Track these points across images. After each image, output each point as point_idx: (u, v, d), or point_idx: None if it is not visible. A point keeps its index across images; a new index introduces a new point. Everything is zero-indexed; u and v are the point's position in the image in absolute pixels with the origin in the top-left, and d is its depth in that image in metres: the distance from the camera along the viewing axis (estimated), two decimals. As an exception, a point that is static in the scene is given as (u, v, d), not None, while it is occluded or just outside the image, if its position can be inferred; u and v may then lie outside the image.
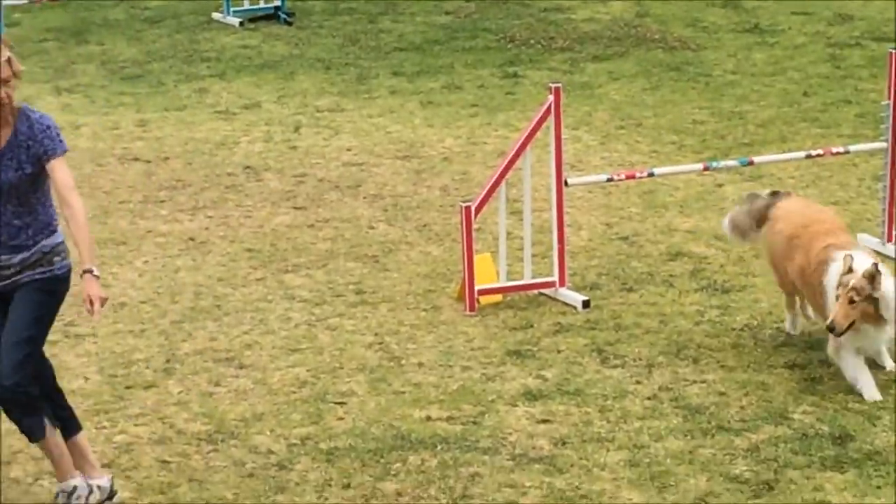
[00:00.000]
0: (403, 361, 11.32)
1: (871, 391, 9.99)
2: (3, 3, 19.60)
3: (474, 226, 12.06)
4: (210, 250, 13.62)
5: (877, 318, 9.72)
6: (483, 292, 12.03)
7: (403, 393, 10.78)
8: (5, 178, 8.80)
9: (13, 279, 8.91)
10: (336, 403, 10.70)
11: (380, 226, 14.17)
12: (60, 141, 8.91)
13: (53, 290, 9.04)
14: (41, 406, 8.96)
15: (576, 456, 9.71)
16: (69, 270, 9.11)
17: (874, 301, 9.59)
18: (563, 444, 9.88)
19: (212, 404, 10.67)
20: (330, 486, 9.38)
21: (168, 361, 11.37)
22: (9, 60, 8.79)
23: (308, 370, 11.20)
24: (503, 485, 9.33)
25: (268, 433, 10.27)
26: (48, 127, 8.87)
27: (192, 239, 13.86)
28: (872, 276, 9.51)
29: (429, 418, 10.00)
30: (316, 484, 9.40)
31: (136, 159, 15.96)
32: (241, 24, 20.92)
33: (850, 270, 9.59)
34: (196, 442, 10.19)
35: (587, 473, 9.46)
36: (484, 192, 12.11)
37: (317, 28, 20.63)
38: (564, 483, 9.32)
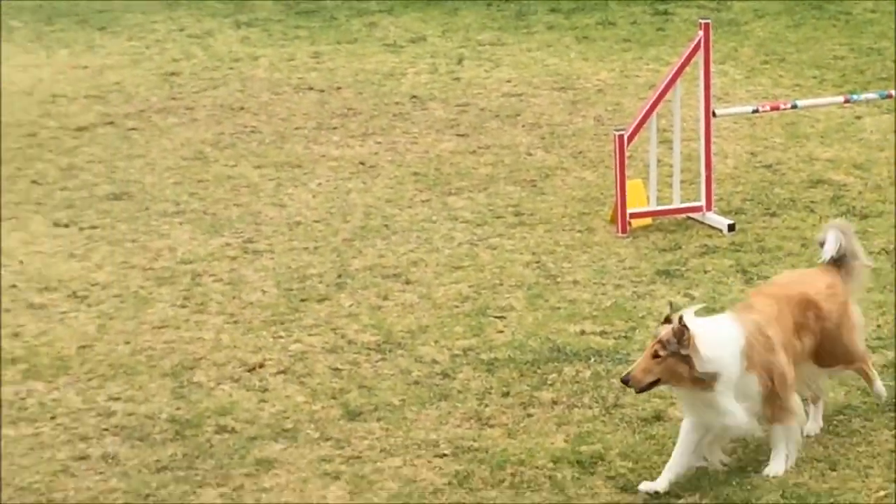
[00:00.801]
0: (559, 279, 11.39)
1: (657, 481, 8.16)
2: None
3: (626, 153, 12.05)
4: (379, 174, 13.69)
5: (693, 381, 8.05)
6: (634, 215, 12.06)
7: (559, 308, 10.83)
8: None
9: None
10: (496, 317, 10.78)
11: (537, 152, 14.17)
12: None
13: None
14: None
15: None
16: None
17: (686, 359, 8.00)
18: None
19: (380, 317, 10.78)
20: (490, 394, 9.50)
21: (340, 276, 11.49)
22: None
23: (470, 286, 11.30)
24: (652, 395, 9.30)
25: (432, 344, 10.40)
26: None
27: (362, 163, 13.95)
28: (681, 333, 7.94)
29: (583, 332, 10.02)
30: (477, 392, 9.52)
31: (311, 88, 16.06)
32: None
33: (666, 321, 8.16)
34: (366, 351, 10.35)
35: None
36: (636, 122, 12.14)
37: None
38: None
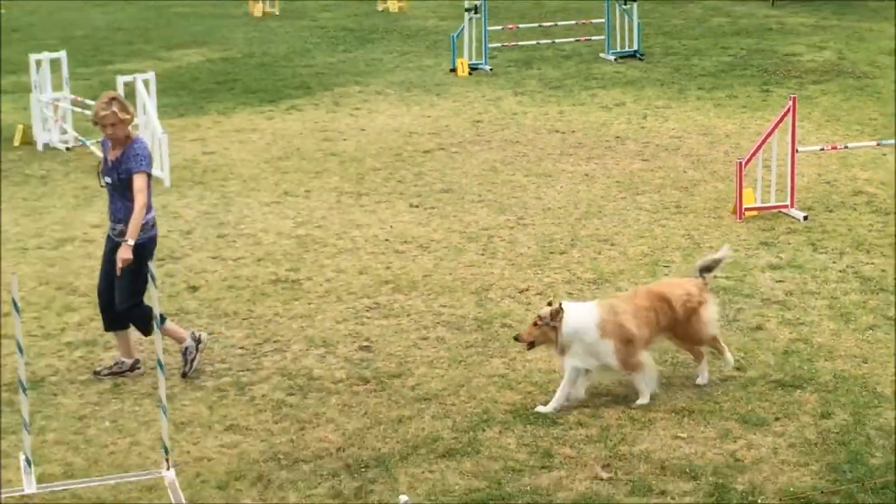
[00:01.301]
0: (701, 245, 11.53)
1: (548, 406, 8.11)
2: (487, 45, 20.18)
3: (744, 172, 12.15)
4: (595, 182, 13.90)
5: (557, 343, 8.10)
6: (747, 209, 12.28)
7: None
8: (116, 180, 8.51)
9: (117, 239, 8.56)
10: (664, 266, 11.10)
11: (689, 171, 14.25)
12: (142, 161, 8.44)
13: (140, 247, 8.44)
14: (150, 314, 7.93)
15: (797, 301, 10.14)
16: (150, 238, 8.69)
17: (554, 330, 8.04)
18: (790, 294, 10.30)
19: (596, 264, 11.17)
20: None
21: (572, 240, 11.83)
22: (119, 108, 8.41)
23: (648, 248, 11.53)
24: (756, 315, 9.75)
25: (626, 281, 10.66)
26: (138, 156, 8.44)
27: (586, 175, 14.23)
28: (556, 313, 8.00)
29: (715, 277, 9.72)
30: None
31: (557, 131, 16.16)
32: (615, 59, 20.62)
33: (548, 304, 8.25)
34: (588, 284, 10.68)
35: (803, 310, 9.91)
36: (750, 154, 12.56)
37: (656, 62, 20.51)
38: (791, 315, 9.78)
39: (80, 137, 15.47)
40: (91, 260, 11.21)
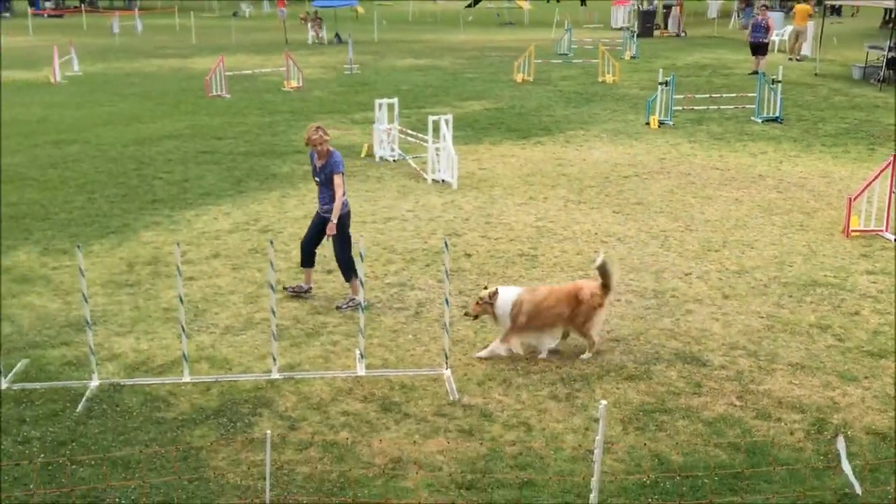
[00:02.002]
0: (817, 253, 10.94)
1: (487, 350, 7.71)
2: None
3: (852, 204, 11.55)
4: (742, 205, 13.14)
5: (494, 316, 7.68)
6: (853, 231, 11.63)
7: (815, 264, 10.43)
8: (323, 178, 8.70)
9: (324, 216, 8.83)
10: (790, 264, 10.75)
11: (811, 202, 13.43)
12: (338, 165, 8.59)
13: (340, 220, 8.74)
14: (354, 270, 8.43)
15: (885, 297, 9.38)
16: (346, 213, 8.84)
17: (492, 307, 7.62)
18: (881, 292, 9.60)
19: (740, 260, 10.64)
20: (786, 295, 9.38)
21: (724, 243, 11.23)
22: (323, 132, 8.56)
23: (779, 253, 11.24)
24: (854, 304, 9.18)
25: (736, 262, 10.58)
26: (337, 162, 8.60)
27: (736, 199, 13.52)
28: (491, 295, 7.59)
29: (825, 275, 9.49)
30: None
31: (717, 168, 15.51)
32: (762, 122, 19.51)
33: (485, 288, 7.90)
34: (732, 275, 10.29)
35: (890, 304, 9.18)
36: (858, 192, 11.85)
37: (791, 125, 19.01)
38: (881, 307, 9.13)
39: (402, 153, 15.92)
40: (405, 232, 11.56)
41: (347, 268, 8.84)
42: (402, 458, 6.26)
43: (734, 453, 6.21)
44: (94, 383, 7.22)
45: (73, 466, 6.06)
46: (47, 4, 59.22)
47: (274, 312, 7.49)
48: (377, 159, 16.03)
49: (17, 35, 42.27)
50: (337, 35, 39.59)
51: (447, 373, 7.37)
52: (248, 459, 6.21)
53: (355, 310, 8.44)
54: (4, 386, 7.14)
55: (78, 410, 6.75)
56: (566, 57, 32.42)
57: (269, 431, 5.01)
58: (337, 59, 31.68)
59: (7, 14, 53.29)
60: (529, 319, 7.48)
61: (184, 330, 7.26)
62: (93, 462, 6.14)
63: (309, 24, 39.96)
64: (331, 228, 8.62)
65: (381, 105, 16.05)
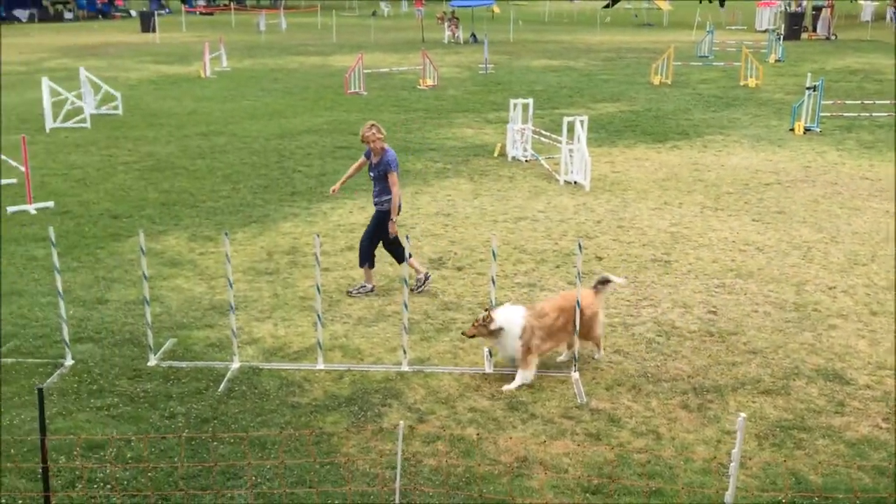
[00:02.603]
0: None
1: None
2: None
3: None
4: (867, 210, 12.87)
5: (491, 338, 7.42)
6: None
7: None
8: (376, 174, 8.98)
9: (378, 209, 9.17)
10: None
11: None
12: (392, 163, 8.87)
13: (383, 217, 9.14)
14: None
15: None
16: (388, 211, 9.09)
17: (487, 328, 7.32)
18: None
19: (891, 276, 10.25)
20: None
21: (872, 257, 10.85)
22: (377, 130, 8.87)
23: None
24: None
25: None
26: (390, 161, 8.86)
27: (887, 211, 12.85)
28: (486, 318, 7.28)
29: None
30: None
31: (866, 178, 14.83)
32: None
33: (486, 310, 7.54)
34: (882, 290, 9.90)
35: None
36: None
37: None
38: None
39: (534, 154, 15.90)
40: (535, 233, 11.54)
41: (365, 255, 9.18)
42: (527, 457, 6.27)
43: (878, 477, 5.98)
44: (235, 365, 7.55)
45: (214, 443, 6.34)
46: (199, 2, 62.11)
47: (406, 306, 7.62)
48: (509, 159, 16.08)
49: (172, 31, 44.63)
50: (473, 34, 39.88)
51: (575, 375, 7.34)
52: (377, 448, 6.36)
53: (369, 294, 9.16)
54: (154, 363, 7.54)
55: (219, 390, 7.06)
56: (706, 59, 31.62)
57: (402, 423, 5.12)
58: (472, 59, 31.92)
59: (165, 11, 56.22)
60: (543, 341, 7.29)
61: (319, 319, 7.48)
62: (232, 440, 6.42)
63: (446, 24, 40.39)
64: (393, 228, 8.95)
65: (515, 105, 16.08)
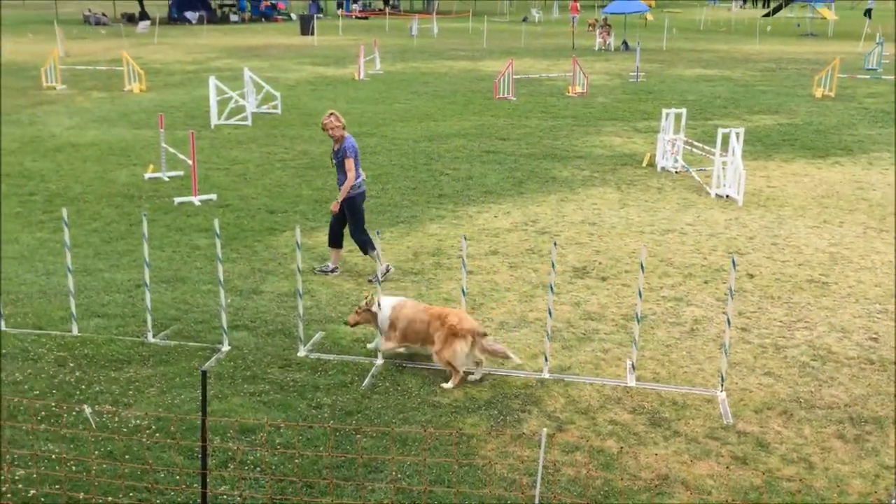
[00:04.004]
0: None
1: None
2: None
3: None
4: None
5: (374, 324, 7.82)
6: None
7: None
8: (337, 161, 9.53)
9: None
10: None
11: None
12: (348, 150, 9.41)
13: (350, 203, 9.63)
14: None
15: None
16: (360, 193, 9.68)
17: (370, 314, 7.74)
18: None
19: None
20: None
21: None
22: (335, 119, 9.44)
23: None
24: None
25: None
26: (346, 147, 9.41)
27: None
28: (368, 303, 7.71)
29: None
30: None
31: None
32: None
33: (366, 300, 7.84)
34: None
35: None
36: None
37: None
38: None
39: (685, 165, 15.53)
40: (683, 246, 11.27)
41: (364, 244, 9.79)
42: (669, 475, 6.14)
43: None
44: (379, 361, 7.74)
45: (358, 436, 6.53)
46: (355, 7, 64.06)
47: (550, 313, 7.60)
48: (658, 169, 15.77)
49: (329, 34, 46.22)
50: (624, 42, 39.35)
51: (722, 395, 7.12)
52: (515, 453, 6.37)
53: (386, 274, 9.56)
54: (303, 354, 7.83)
55: (364, 385, 7.26)
56: (875, 72, 30.06)
57: (544, 430, 5.10)
58: (623, 66, 31.52)
59: (321, 15, 58.34)
60: (402, 333, 7.56)
61: (464, 321, 7.53)
62: (374, 434, 6.59)
63: (597, 31, 40.00)
64: (335, 207, 9.59)
65: (667, 115, 15.76)
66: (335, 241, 9.90)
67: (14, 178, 14.65)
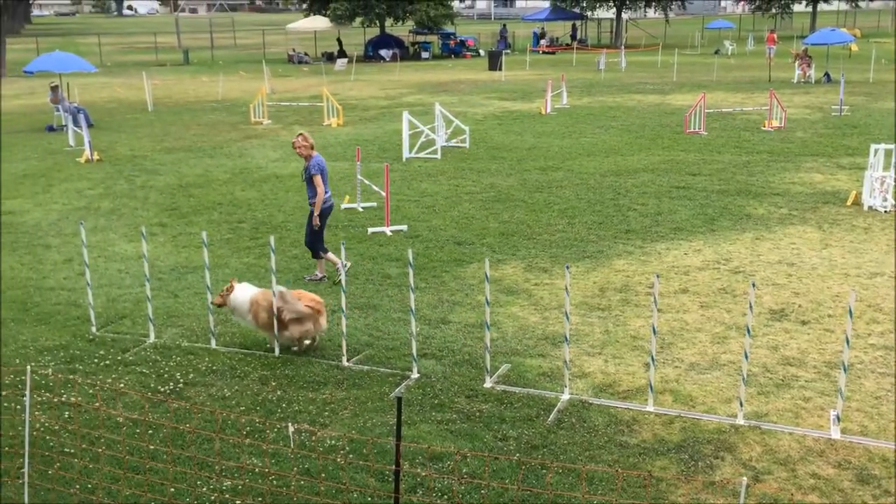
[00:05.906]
0: None
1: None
2: None
3: None
4: None
5: (230, 308, 8.87)
6: None
7: None
8: (306, 177, 10.53)
9: (311, 208, 10.53)
10: None
11: None
12: (313, 168, 10.37)
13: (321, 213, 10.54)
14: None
15: None
16: (328, 207, 10.74)
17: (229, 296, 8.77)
18: None
19: None
20: None
21: None
22: (303, 139, 10.40)
23: None
24: None
25: None
26: (311, 165, 10.38)
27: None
28: (229, 289, 8.82)
29: None
30: None
31: None
32: None
33: (230, 282, 9.02)
34: None
35: None
36: None
37: None
38: None
39: (896, 205, 14.51)
40: (894, 291, 10.49)
41: (315, 250, 10.78)
42: (879, 539, 5.69)
43: None
44: (565, 396, 7.69)
45: (543, 471, 6.50)
46: (542, 42, 64.73)
47: (746, 356, 7.29)
48: (865, 208, 14.85)
49: (516, 69, 46.89)
50: (826, 74, 37.42)
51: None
52: (708, 501, 6.12)
53: (343, 274, 9.02)
54: (489, 385, 7.92)
55: (549, 419, 7.23)
56: None
57: (744, 479, 4.87)
58: (824, 100, 30.00)
59: (508, 51, 59.34)
60: (257, 320, 8.53)
61: (653, 360, 7.42)
62: (560, 470, 6.54)
63: (797, 62, 38.30)
64: (315, 221, 10.44)
65: (876, 150, 14.83)
66: (316, 253, 10.87)
67: (225, 207, 15.77)
